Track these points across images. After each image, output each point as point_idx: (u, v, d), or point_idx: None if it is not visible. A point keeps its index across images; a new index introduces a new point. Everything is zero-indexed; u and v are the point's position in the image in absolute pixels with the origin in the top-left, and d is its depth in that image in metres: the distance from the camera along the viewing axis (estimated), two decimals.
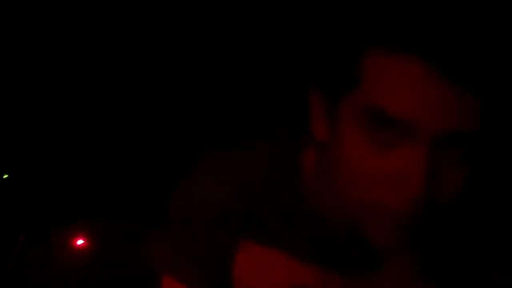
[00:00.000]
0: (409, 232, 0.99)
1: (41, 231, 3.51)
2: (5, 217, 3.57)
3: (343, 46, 0.96)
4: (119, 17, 3.44)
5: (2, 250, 3.45)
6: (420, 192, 0.92)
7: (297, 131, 1.16)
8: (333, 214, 1.06)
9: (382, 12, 0.92)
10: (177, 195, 1.19)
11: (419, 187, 0.91)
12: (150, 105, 3.61)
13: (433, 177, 0.92)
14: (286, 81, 2.99)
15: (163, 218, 1.22)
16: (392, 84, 0.90)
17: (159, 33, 3.46)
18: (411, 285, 1.18)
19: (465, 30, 0.88)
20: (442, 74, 0.87)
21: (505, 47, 0.92)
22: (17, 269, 3.50)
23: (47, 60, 3.54)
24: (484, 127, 0.93)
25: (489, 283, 1.20)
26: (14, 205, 3.63)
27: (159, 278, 1.26)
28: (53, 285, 3.41)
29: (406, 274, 1.18)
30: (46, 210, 3.66)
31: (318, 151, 1.06)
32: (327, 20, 1.05)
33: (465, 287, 1.21)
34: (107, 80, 3.58)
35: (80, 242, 3.52)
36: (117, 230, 3.66)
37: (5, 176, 3.71)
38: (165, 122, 3.58)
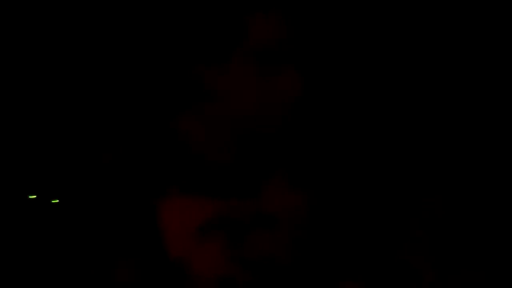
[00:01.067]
0: (273, 148, 1.31)
1: None
2: None
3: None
4: None
5: None
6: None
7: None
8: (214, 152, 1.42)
9: None
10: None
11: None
12: None
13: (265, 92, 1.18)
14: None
15: None
16: None
17: None
18: (289, 198, 1.58)
19: None
20: None
21: None
22: None
23: None
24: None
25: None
26: None
27: None
28: None
29: (284, 189, 1.56)
30: None
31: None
32: None
33: (334, 193, 1.69)
34: None
35: None
36: None
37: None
38: None
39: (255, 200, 1.72)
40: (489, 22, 3.48)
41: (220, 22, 1.66)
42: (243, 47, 1.56)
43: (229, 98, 1.70)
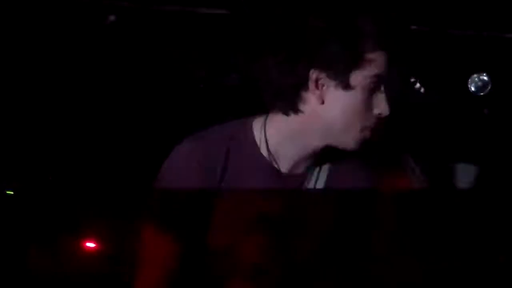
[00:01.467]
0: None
1: (50, 237, 3.62)
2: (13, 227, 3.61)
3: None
4: None
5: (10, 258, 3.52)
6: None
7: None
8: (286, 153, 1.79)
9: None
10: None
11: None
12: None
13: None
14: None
15: None
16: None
17: None
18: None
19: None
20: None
21: None
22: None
23: None
24: None
25: None
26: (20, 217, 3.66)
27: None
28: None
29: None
30: (53, 215, 3.68)
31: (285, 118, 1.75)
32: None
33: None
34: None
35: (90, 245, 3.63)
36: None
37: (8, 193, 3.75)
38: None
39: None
40: None
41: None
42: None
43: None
